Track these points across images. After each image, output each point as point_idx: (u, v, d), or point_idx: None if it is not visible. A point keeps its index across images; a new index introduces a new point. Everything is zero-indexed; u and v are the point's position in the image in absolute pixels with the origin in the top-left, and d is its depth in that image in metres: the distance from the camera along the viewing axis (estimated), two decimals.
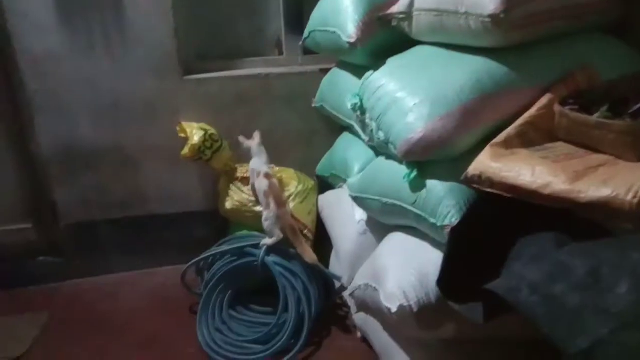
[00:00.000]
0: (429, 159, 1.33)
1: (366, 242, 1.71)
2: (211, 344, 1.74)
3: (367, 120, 1.52)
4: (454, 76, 1.32)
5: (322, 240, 2.00)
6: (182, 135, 2.02)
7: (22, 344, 1.80)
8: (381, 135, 1.43)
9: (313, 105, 2.16)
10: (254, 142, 1.98)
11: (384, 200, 1.45)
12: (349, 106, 1.56)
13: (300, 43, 2.08)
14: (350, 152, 1.88)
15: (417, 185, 1.33)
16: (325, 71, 2.13)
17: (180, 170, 2.16)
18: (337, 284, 1.87)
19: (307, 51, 2.14)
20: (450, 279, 1.18)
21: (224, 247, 1.89)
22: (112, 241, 2.21)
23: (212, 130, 2.01)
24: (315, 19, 1.91)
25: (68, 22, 1.91)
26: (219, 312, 1.83)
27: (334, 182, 2.09)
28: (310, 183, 2.11)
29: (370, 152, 1.78)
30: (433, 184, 1.31)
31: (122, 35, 1.96)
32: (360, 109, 1.54)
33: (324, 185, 2.16)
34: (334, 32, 1.71)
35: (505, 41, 1.28)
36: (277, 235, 1.78)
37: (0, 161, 2.05)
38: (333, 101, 2.00)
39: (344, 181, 1.89)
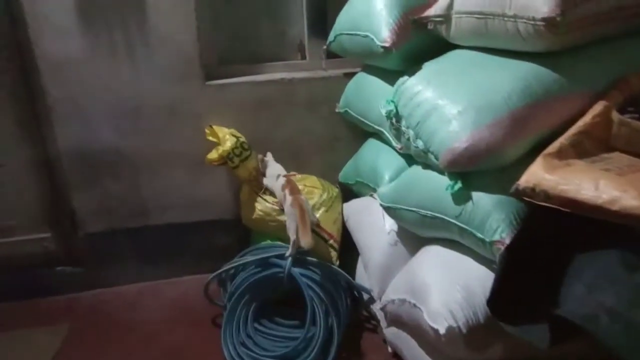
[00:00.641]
0: (474, 169, 1.24)
1: (397, 254, 1.63)
2: (237, 359, 1.66)
3: (403, 128, 1.43)
4: (500, 82, 1.23)
5: (348, 250, 1.92)
6: (212, 138, 1.95)
7: (42, 357, 1.73)
8: (420, 143, 1.35)
9: (336, 111, 2.08)
10: (268, 158, 2.00)
11: (423, 212, 1.37)
12: (383, 113, 1.47)
13: (324, 47, 2.00)
14: (380, 159, 1.80)
15: (461, 197, 1.24)
16: (349, 75, 2.06)
17: (202, 177, 2.09)
18: (365, 296, 1.79)
19: (330, 55, 2.06)
20: (501, 298, 1.10)
21: (248, 258, 1.81)
22: (133, 250, 2.14)
23: (243, 138, 1.94)
24: (343, 22, 1.83)
25: (89, 25, 1.84)
26: (243, 326, 1.75)
27: (359, 190, 2.01)
28: (335, 191, 2.03)
29: (401, 160, 1.70)
30: (479, 196, 1.22)
31: (144, 39, 1.89)
32: (396, 116, 1.45)
33: (346, 192, 2.08)
34: (366, 36, 1.63)
35: (558, 45, 1.20)
36: (294, 232, 1.69)
37: (19, 169, 1.99)
38: (359, 106, 1.92)
39: (373, 190, 1.81)
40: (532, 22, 1.15)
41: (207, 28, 2.00)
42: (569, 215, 1.03)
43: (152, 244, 2.16)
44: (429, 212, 1.35)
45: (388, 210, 1.58)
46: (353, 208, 1.95)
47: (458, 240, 1.31)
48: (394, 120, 1.48)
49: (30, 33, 1.81)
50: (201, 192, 2.13)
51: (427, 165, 1.41)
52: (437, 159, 1.28)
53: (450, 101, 1.27)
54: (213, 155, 1.90)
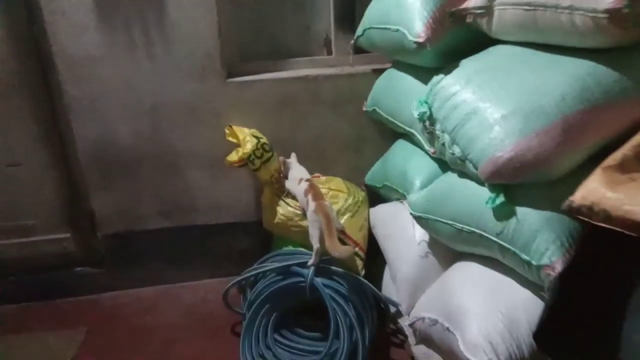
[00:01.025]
0: (519, 181, 1.10)
1: (428, 267, 1.50)
2: None
3: (437, 132, 1.30)
4: (552, 83, 1.08)
5: (374, 258, 1.80)
6: (232, 139, 1.85)
7: None
8: (456, 150, 1.21)
9: (364, 109, 1.95)
10: (292, 159, 1.89)
11: (459, 226, 1.23)
12: (416, 115, 1.34)
13: (352, 42, 1.87)
14: (410, 163, 1.66)
15: (503, 212, 1.10)
16: (378, 72, 1.92)
17: (222, 178, 2.00)
18: (392, 309, 1.66)
19: (357, 50, 1.93)
20: (549, 330, 0.96)
21: (269, 265, 1.71)
22: (152, 252, 2.07)
23: (264, 139, 1.83)
24: (372, 16, 1.69)
25: (107, 21, 1.76)
26: (263, 336, 1.66)
27: (387, 194, 1.88)
28: (361, 195, 1.91)
29: (434, 165, 1.57)
30: (525, 213, 1.08)
31: (163, 35, 1.80)
32: (429, 119, 1.31)
33: (373, 196, 1.95)
34: (397, 30, 1.49)
35: (622, 41, 1.04)
36: (317, 240, 1.59)
37: (38, 168, 1.94)
38: (388, 105, 1.78)
39: (402, 196, 1.68)
40: (593, 14, 0.99)
41: (228, 23, 1.89)
42: (634, 240, 0.88)
43: (171, 246, 2.09)
44: (466, 227, 1.21)
45: (419, 220, 1.45)
46: (380, 214, 1.83)
47: (499, 259, 1.17)
48: (427, 123, 1.34)
49: (48, 30, 1.74)
50: (222, 194, 2.04)
51: (464, 174, 1.27)
52: (475, 168, 1.15)
53: (493, 104, 1.13)
54: (233, 156, 1.81)
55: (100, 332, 1.84)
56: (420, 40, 1.40)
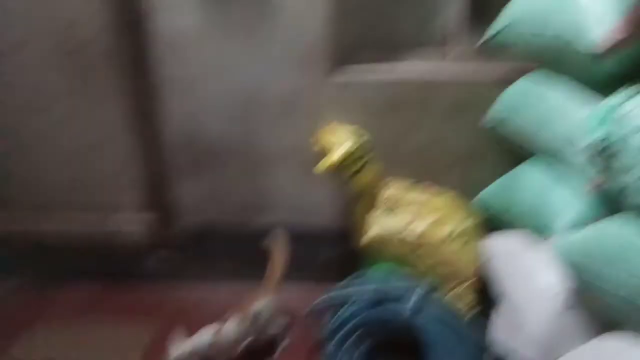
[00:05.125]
0: None
1: (570, 324, 1.17)
2: None
3: (616, 169, 0.97)
4: None
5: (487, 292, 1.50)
6: (326, 141, 1.59)
7: (131, 352, 1.54)
8: None
9: (485, 123, 1.62)
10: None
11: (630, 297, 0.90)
12: (587, 141, 1.02)
13: (481, 41, 1.54)
14: (553, 194, 1.31)
15: None
16: (506, 82, 1.58)
17: (311, 179, 1.73)
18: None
19: (483, 53, 1.61)
20: None
21: (361, 286, 1.45)
22: (230, 248, 1.88)
23: (365, 137, 1.56)
24: (519, 13, 1.37)
25: (207, 1, 1.56)
26: None
27: (505, 223, 1.55)
28: (477, 219, 1.59)
29: (583, 203, 1.22)
30: None
31: (266, 20, 1.58)
32: (605, 150, 0.99)
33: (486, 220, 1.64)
34: (559, 34, 1.16)
35: None
36: None
37: (126, 149, 1.80)
38: (522, 121, 1.46)
39: (535, 230, 1.34)
40: None
41: (337, 12, 1.62)
42: None
43: (250, 244, 1.86)
44: None
45: (571, 268, 1.11)
46: (500, 246, 1.50)
47: None
48: (598, 154, 1.01)
49: (147, 5, 1.57)
50: (309, 197, 1.81)
51: None
52: None
53: None
54: (326, 160, 1.54)
55: (172, 322, 1.64)
56: (602, 48, 1.06)
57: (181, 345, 1.47)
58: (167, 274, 1.89)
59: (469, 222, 1.54)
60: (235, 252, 1.88)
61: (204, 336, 1.48)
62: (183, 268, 1.90)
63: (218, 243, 1.88)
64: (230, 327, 1.48)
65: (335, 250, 1.82)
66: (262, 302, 1.50)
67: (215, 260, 1.89)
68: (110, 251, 1.88)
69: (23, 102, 1.76)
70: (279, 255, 1.56)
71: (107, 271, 1.88)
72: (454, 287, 1.45)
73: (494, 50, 1.53)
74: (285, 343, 1.54)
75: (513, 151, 1.57)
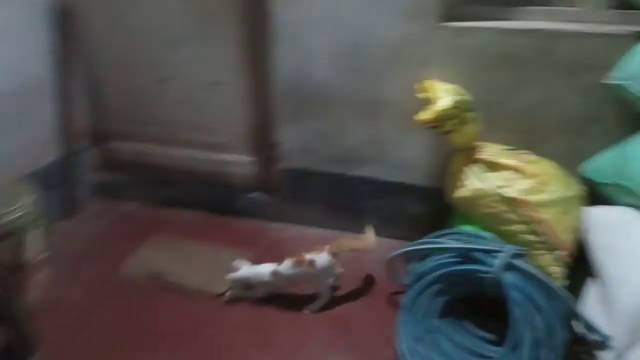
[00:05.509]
0: None
1: None
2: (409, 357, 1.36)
3: None
4: None
5: (576, 267, 1.40)
6: (424, 94, 1.56)
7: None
8: None
9: (607, 82, 1.45)
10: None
11: None
12: None
13: None
14: None
15: None
16: None
17: (412, 133, 1.72)
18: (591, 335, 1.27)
19: (619, 4, 1.42)
20: None
21: (449, 243, 1.44)
22: (323, 194, 1.97)
23: (466, 96, 1.50)
24: None
25: None
26: (425, 317, 1.42)
27: (613, 195, 1.42)
28: (579, 190, 1.48)
29: None
30: None
31: None
32: None
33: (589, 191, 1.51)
34: None
35: None
36: None
37: (236, 91, 1.92)
38: None
39: None
40: None
41: None
42: None
43: (343, 193, 1.95)
44: None
45: None
46: (601, 218, 1.39)
47: None
48: None
49: None
50: (407, 151, 1.80)
51: None
52: None
53: None
54: (425, 114, 1.50)
55: (265, 258, 1.80)
56: None
57: (243, 269, 1.62)
58: (263, 213, 2.04)
59: (569, 192, 1.43)
60: (328, 199, 1.96)
61: (263, 268, 1.61)
62: (278, 209, 2.03)
63: (313, 188, 1.96)
64: (285, 267, 1.58)
65: (425, 207, 1.81)
66: (323, 255, 1.56)
67: (308, 204, 1.99)
68: (216, 186, 2.06)
69: (159, 43, 1.93)
70: (363, 243, 1.60)
71: (211, 204, 2.08)
72: (543, 255, 1.37)
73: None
74: (324, 298, 1.60)
75: (636, 116, 1.39)
